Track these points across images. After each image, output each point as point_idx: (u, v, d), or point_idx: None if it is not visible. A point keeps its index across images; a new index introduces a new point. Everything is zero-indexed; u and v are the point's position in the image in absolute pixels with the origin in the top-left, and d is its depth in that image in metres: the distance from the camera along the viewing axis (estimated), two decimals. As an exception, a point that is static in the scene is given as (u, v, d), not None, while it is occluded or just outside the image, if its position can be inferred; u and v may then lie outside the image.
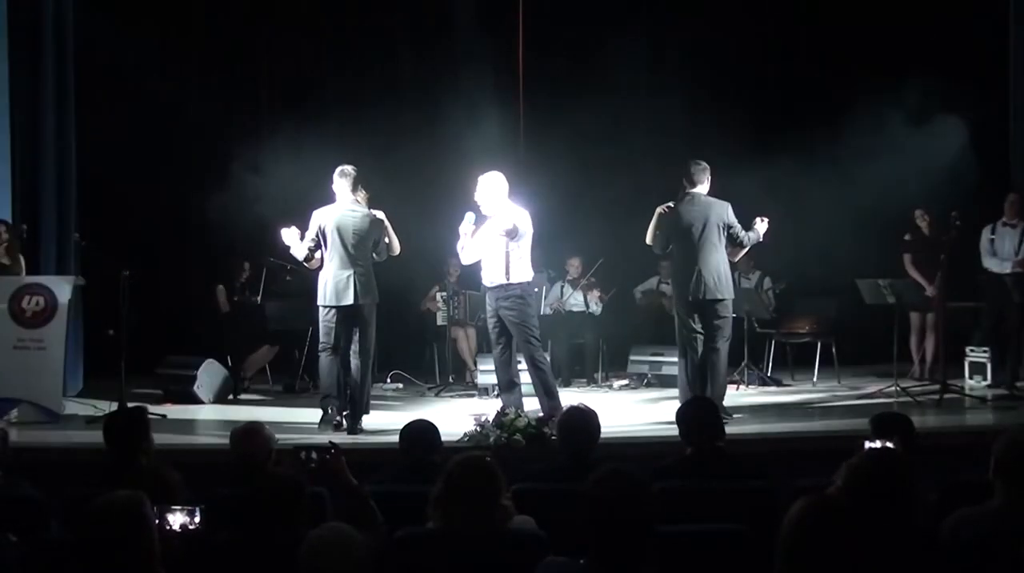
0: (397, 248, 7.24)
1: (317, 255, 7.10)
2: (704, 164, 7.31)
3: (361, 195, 7.14)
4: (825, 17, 10.84)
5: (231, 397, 8.80)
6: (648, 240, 7.41)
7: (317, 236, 7.02)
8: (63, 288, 7.66)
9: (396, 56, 11.07)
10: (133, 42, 10.04)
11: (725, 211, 7.22)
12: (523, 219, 7.05)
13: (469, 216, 7.11)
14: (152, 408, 7.42)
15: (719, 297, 7.14)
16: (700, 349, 7.18)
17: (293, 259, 7.48)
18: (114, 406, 7.29)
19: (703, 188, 7.27)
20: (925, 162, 9.55)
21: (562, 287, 9.92)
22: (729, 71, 10.64)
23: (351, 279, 6.92)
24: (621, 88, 9.90)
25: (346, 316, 7.01)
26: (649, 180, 9.35)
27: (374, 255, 7.10)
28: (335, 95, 11.09)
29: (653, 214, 7.35)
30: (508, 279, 7.01)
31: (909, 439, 4.29)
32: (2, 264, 7.85)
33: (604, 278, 9.91)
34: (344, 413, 7.00)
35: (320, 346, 7.15)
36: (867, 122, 9.74)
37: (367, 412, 7.08)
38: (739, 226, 7.26)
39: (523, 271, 7.07)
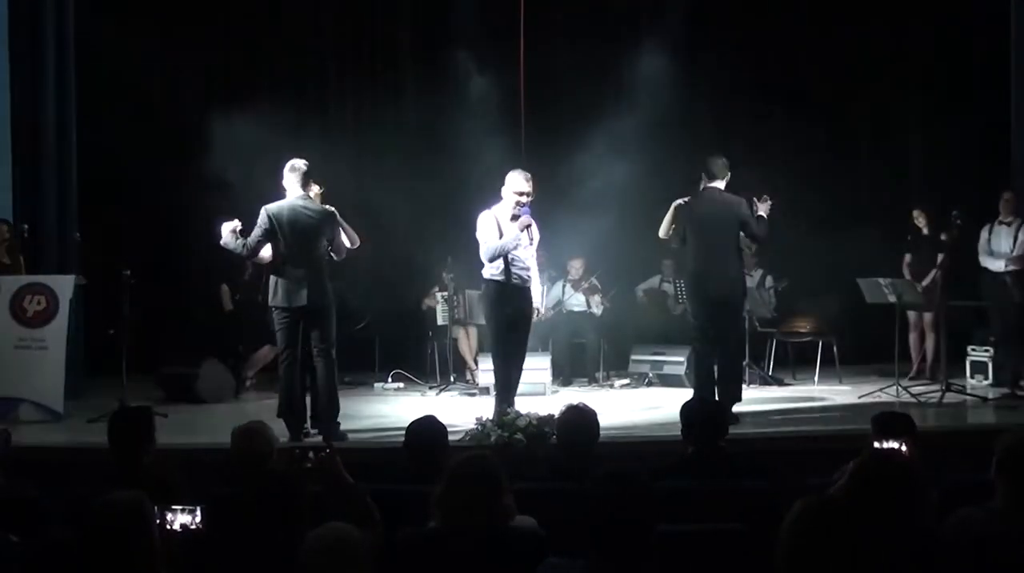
0: (356, 240, 7.01)
1: (266, 253, 6.84)
2: (724, 159, 7.25)
3: (314, 190, 6.93)
4: (827, 15, 10.83)
5: (233, 396, 8.79)
6: (661, 234, 7.33)
7: (266, 232, 6.74)
8: (64, 287, 7.67)
9: (398, 59, 11.08)
10: (134, 41, 10.04)
11: (741, 208, 7.17)
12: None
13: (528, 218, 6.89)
14: (154, 407, 7.45)
15: (730, 294, 7.13)
16: (706, 347, 7.19)
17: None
18: (115, 406, 7.31)
19: (722, 183, 7.22)
20: (927, 160, 9.57)
21: (563, 287, 9.92)
22: (730, 69, 10.63)
23: (304, 280, 6.65)
24: (622, 88, 9.88)
25: (301, 318, 6.75)
26: (650, 178, 9.36)
27: (332, 255, 6.87)
28: (337, 97, 11.10)
29: (657, 209, 7.31)
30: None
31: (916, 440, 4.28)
32: (2, 263, 7.84)
33: (605, 278, 9.91)
34: (308, 425, 6.77)
35: (280, 357, 6.84)
36: (869, 120, 9.77)
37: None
38: (752, 222, 7.20)
39: None
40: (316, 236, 6.74)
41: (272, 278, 6.81)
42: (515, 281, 6.92)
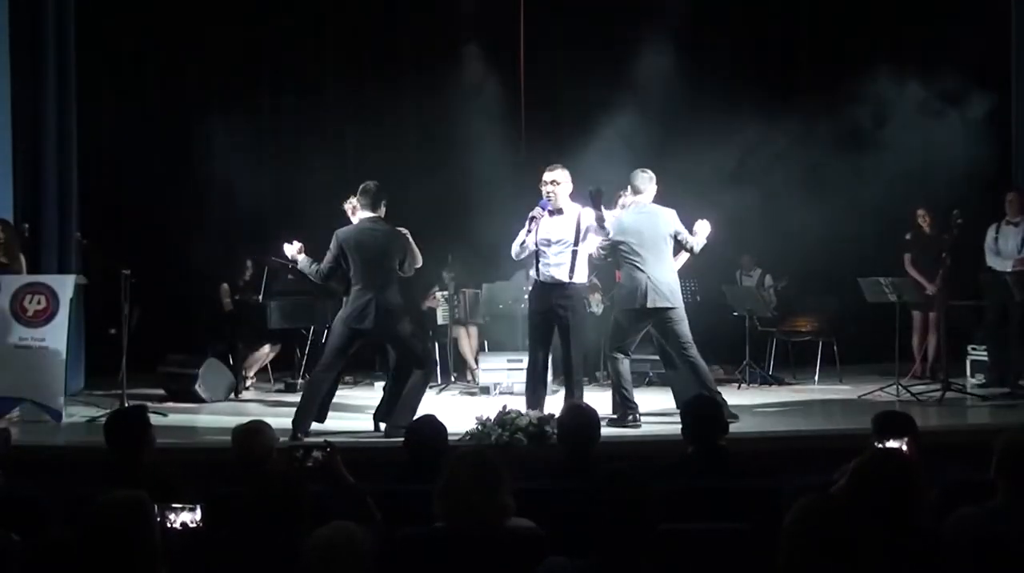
0: (420, 260, 7.10)
1: (337, 275, 6.96)
2: (650, 173, 7.24)
3: (383, 210, 6.95)
4: (827, 14, 10.83)
5: (232, 396, 8.80)
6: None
7: (338, 257, 6.80)
8: (65, 287, 7.66)
9: (398, 58, 11.08)
10: (135, 41, 10.05)
11: (672, 218, 7.19)
12: (591, 215, 6.87)
13: (539, 209, 6.89)
14: (153, 407, 7.46)
15: (669, 305, 7.10)
16: (623, 357, 7.26)
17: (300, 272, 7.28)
18: (115, 405, 7.33)
19: (647, 196, 7.22)
20: (929, 160, 9.57)
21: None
22: (730, 68, 10.63)
23: (371, 304, 6.68)
24: (622, 86, 9.89)
25: (364, 338, 6.86)
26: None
27: (402, 271, 6.94)
28: (337, 94, 11.09)
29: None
30: (571, 278, 6.91)
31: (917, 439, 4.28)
32: (2, 263, 7.84)
33: (605, 278, 9.90)
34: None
35: (322, 361, 6.95)
36: (871, 120, 9.76)
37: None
38: (686, 232, 7.22)
39: (584, 272, 7.05)
40: (386, 257, 6.79)
41: (347, 298, 6.88)
42: (543, 278, 6.96)
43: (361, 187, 6.95)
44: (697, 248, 7.26)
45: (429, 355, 7.03)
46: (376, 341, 7.00)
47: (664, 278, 7.09)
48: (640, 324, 7.24)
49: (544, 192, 6.87)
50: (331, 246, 6.83)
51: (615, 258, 7.30)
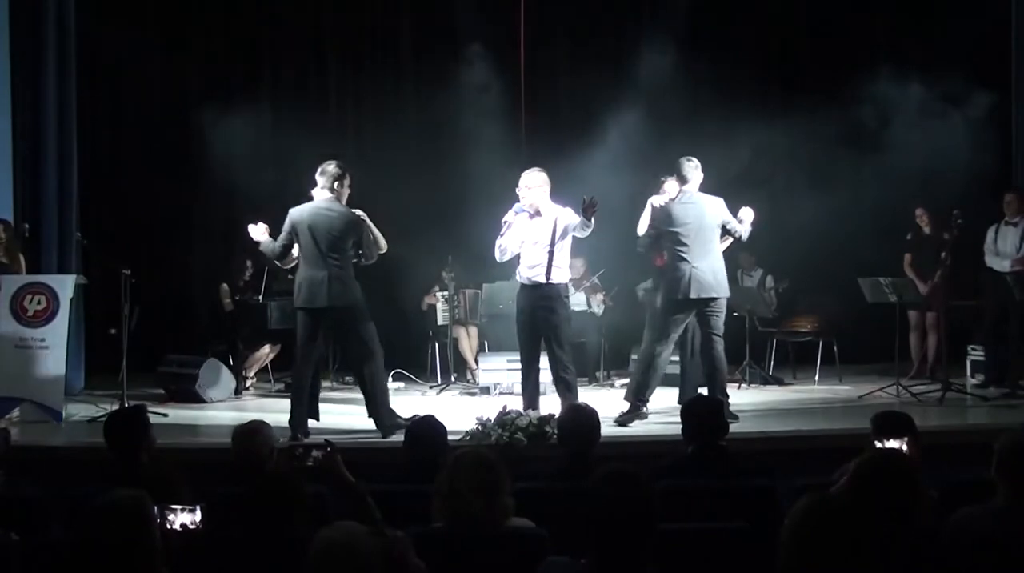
0: (384, 245, 7.02)
1: (293, 254, 6.91)
2: (695, 161, 7.27)
3: (344, 192, 6.89)
4: (828, 13, 10.83)
5: (232, 396, 8.80)
6: (640, 230, 7.37)
7: (290, 235, 6.80)
8: (65, 287, 7.67)
9: (399, 57, 11.07)
10: (135, 41, 10.02)
11: (720, 208, 7.22)
12: (572, 216, 6.90)
13: (512, 212, 6.95)
14: (153, 407, 7.47)
15: (715, 295, 7.14)
16: (666, 351, 7.27)
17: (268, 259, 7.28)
18: (115, 405, 7.33)
19: (694, 185, 7.25)
20: (930, 160, 9.56)
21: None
22: (731, 66, 10.62)
23: (325, 280, 6.67)
24: (623, 83, 9.89)
25: (324, 320, 6.80)
26: (652, 175, 9.35)
27: (362, 259, 6.91)
28: (337, 94, 11.09)
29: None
30: (548, 279, 6.88)
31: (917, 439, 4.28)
32: (2, 263, 7.84)
33: (606, 278, 9.91)
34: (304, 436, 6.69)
35: (296, 354, 6.93)
36: (872, 121, 9.76)
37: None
38: (734, 221, 7.26)
39: (564, 272, 7.03)
40: (337, 239, 6.75)
41: (296, 279, 6.88)
42: (522, 280, 7.00)
43: (320, 167, 6.89)
44: (745, 235, 7.32)
45: (377, 343, 6.91)
46: (333, 323, 6.87)
47: (709, 267, 7.13)
48: (682, 314, 7.26)
49: (520, 195, 6.92)
50: (284, 225, 6.82)
51: (662, 246, 7.33)
